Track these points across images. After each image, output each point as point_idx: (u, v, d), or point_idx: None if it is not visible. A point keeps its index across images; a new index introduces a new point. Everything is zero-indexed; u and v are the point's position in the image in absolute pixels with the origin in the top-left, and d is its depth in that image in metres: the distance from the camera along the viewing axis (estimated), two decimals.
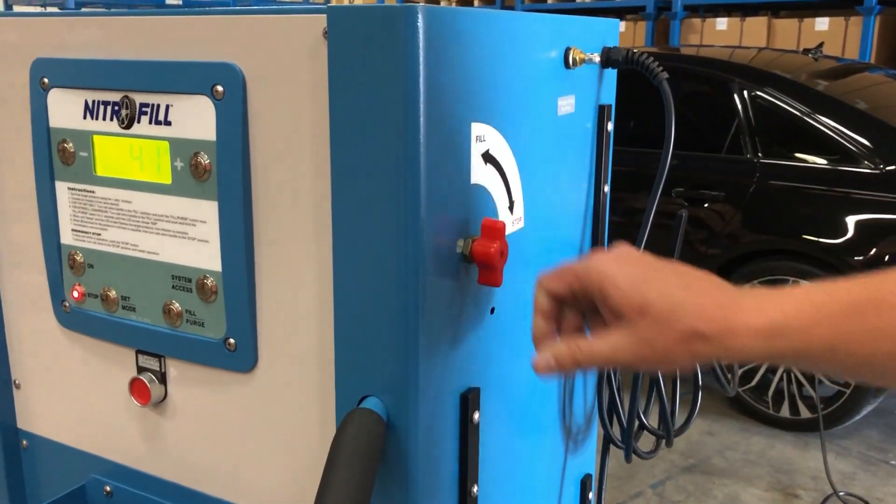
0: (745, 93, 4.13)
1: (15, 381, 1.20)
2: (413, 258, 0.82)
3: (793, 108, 3.94)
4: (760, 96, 4.06)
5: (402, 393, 0.84)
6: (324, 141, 0.84)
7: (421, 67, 0.77)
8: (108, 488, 1.12)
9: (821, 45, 5.42)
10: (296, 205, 0.88)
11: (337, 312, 0.85)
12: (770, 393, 4.19)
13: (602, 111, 1.16)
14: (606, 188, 1.19)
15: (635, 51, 1.11)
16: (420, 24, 0.76)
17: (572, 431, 1.25)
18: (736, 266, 4.04)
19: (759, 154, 4.03)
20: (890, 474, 3.85)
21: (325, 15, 0.80)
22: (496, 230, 0.85)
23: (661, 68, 1.09)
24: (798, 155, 3.95)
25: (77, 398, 1.13)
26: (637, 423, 1.20)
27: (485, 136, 0.88)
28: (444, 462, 0.91)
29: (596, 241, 1.20)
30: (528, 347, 1.06)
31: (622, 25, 8.98)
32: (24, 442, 1.21)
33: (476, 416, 0.92)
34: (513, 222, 0.96)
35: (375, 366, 0.84)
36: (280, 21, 0.85)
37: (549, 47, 1.01)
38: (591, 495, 1.32)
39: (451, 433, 0.92)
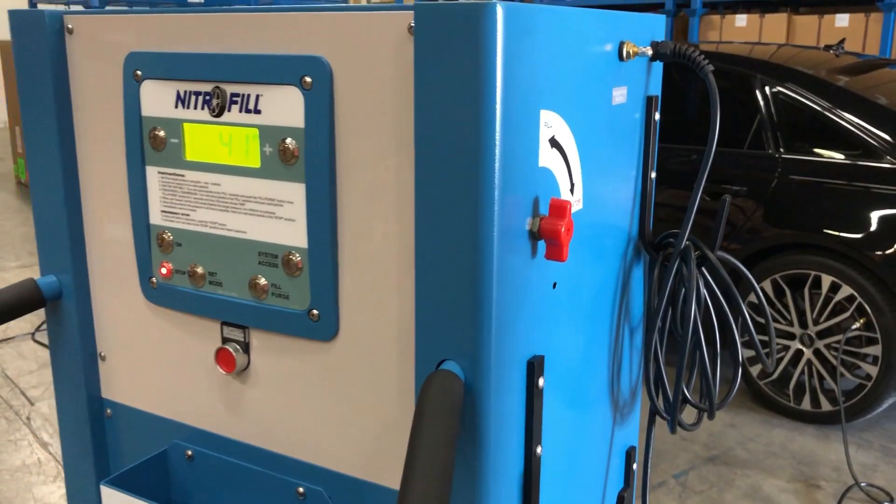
0: (767, 89, 4.19)
1: (100, 354, 1.28)
2: (487, 235, 0.90)
3: (814, 103, 4.00)
4: (782, 92, 4.12)
5: (477, 357, 0.92)
6: (406, 127, 0.92)
7: (498, 59, 0.85)
8: (189, 452, 1.21)
9: (842, 41, 5.46)
10: (378, 185, 0.96)
11: (418, 284, 0.93)
12: (791, 386, 4.25)
13: (650, 102, 1.23)
14: (653, 174, 1.26)
15: (681, 45, 1.18)
16: (499, 19, 0.84)
17: (619, 404, 1.32)
18: (758, 260, 4.10)
19: (781, 149, 4.09)
20: None
21: (410, 11, 0.88)
22: (563, 209, 0.93)
23: (706, 61, 1.16)
24: (819, 150, 4.01)
25: (161, 368, 1.21)
26: (680, 397, 1.28)
27: (551, 123, 0.96)
28: (512, 423, 0.99)
29: (643, 225, 1.28)
30: (582, 322, 1.14)
31: None
32: (108, 410, 1.30)
33: (541, 381, 1.00)
34: (574, 204, 1.04)
35: (453, 332, 0.92)
36: (367, 17, 0.93)
37: (606, 41, 1.08)
38: (634, 466, 1.39)
39: (519, 397, 0.99)
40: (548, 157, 0.97)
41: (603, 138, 1.12)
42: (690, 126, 4.42)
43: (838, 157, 3.83)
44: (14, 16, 1.17)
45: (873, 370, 3.86)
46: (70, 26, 1.16)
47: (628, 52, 1.11)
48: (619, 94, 1.14)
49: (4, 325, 5.45)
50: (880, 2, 7.33)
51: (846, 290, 3.86)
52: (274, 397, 1.11)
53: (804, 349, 4.03)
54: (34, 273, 6.57)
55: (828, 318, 3.95)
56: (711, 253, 1.23)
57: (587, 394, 1.22)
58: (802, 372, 4.05)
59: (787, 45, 5.47)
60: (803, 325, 4.03)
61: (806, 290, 3.99)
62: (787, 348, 4.07)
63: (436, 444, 0.80)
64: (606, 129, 1.13)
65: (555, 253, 0.95)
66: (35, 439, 3.96)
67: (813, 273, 3.92)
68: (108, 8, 1.09)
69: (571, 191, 1.03)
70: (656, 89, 1.26)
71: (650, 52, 1.15)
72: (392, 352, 1.00)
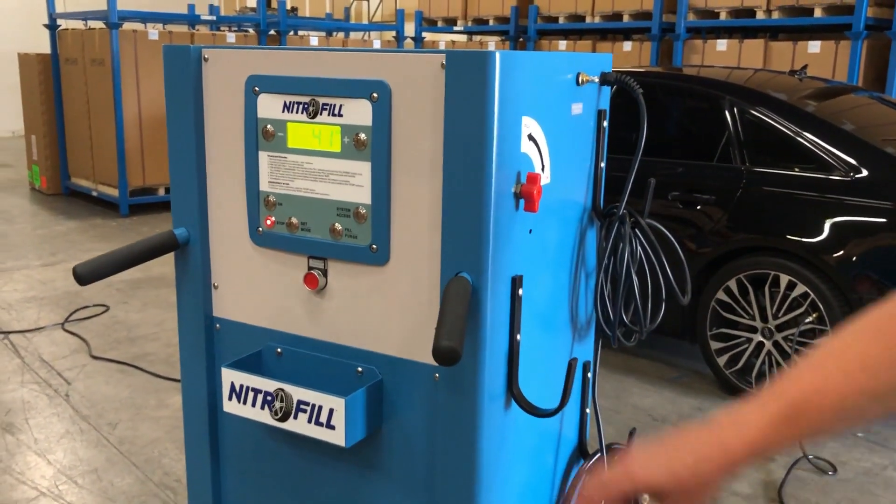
0: (735, 109, 4.66)
1: (214, 284, 1.83)
2: (488, 195, 1.45)
3: (775, 122, 4.48)
4: (749, 112, 4.60)
5: (480, 270, 1.47)
6: (438, 126, 1.48)
7: (496, 85, 1.41)
8: (279, 350, 1.75)
9: (805, 67, 6.01)
10: (418, 162, 1.52)
11: (444, 225, 1.49)
12: (753, 374, 4.65)
13: (600, 114, 1.80)
14: (602, 164, 1.82)
15: (621, 74, 1.74)
16: (497, 62, 1.40)
17: (578, 327, 1.88)
18: (724, 262, 4.52)
19: (746, 163, 4.55)
20: (855, 444, 4.33)
21: (443, 55, 1.44)
22: (535, 179, 1.49)
23: (638, 86, 1.72)
24: (779, 164, 4.46)
25: (260, 292, 1.76)
26: (620, 321, 1.83)
27: (529, 124, 1.52)
28: (501, 317, 1.54)
29: (595, 199, 1.84)
30: (550, 263, 1.69)
31: (629, 45, 9.61)
32: (218, 325, 1.84)
33: (520, 291, 1.56)
34: (543, 178, 1.60)
35: (466, 254, 1.48)
36: (414, 57, 1.48)
37: (568, 72, 1.65)
38: (589, 375, 1.94)
39: (506, 300, 1.55)
40: (526, 146, 1.53)
41: (566, 137, 1.68)
42: (674, 143, 4.88)
43: (796, 170, 4.33)
44: (168, 49, 1.73)
45: None
46: (206, 56, 1.71)
47: (582, 80, 1.67)
48: (577, 108, 1.70)
49: (36, 316, 5.96)
50: (849, 31, 7.91)
51: (801, 288, 4.32)
52: (343, 306, 1.66)
53: (765, 341, 4.50)
54: (56, 269, 7.08)
55: (785, 313, 4.43)
56: (641, 219, 1.78)
57: (553, 313, 1.77)
58: (763, 362, 4.53)
59: (763, 71, 6.00)
60: (764, 319, 4.50)
61: (766, 288, 4.47)
62: (749, 340, 4.56)
63: (458, 303, 1.35)
64: (568, 131, 1.69)
65: (529, 206, 1.50)
66: (75, 413, 4.45)
67: (772, 273, 4.40)
68: (236, 45, 1.50)
69: (542, 170, 1.59)
70: (605, 105, 1.83)
71: (597, 79, 1.71)
72: (424, 270, 1.55)
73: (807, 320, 4.39)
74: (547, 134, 1.59)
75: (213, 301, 1.84)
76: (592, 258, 1.90)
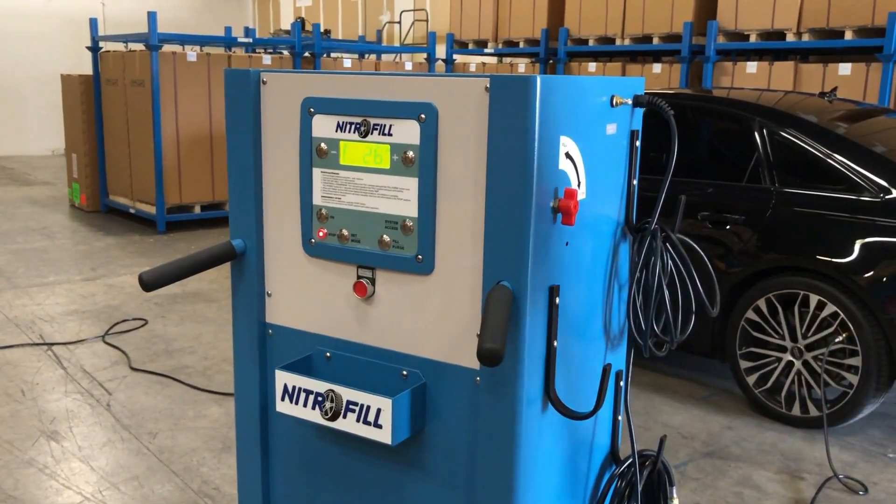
0: (765, 130, 4.73)
1: (268, 292, 1.94)
2: (528, 209, 1.55)
3: (804, 143, 4.54)
4: (778, 133, 4.67)
5: (520, 279, 1.57)
6: (481, 145, 1.59)
7: (537, 107, 1.52)
8: (328, 354, 1.86)
9: (834, 89, 6.05)
10: (462, 178, 1.63)
11: (487, 236, 1.59)
12: (783, 394, 4.67)
13: (633, 134, 1.90)
14: (634, 181, 1.92)
15: (652, 97, 1.84)
16: (538, 85, 1.51)
17: (611, 337, 1.97)
18: (754, 281, 4.57)
19: (776, 184, 4.61)
20: (887, 465, 4.33)
21: (487, 78, 1.55)
22: (573, 194, 1.59)
23: (669, 108, 1.82)
24: (808, 184, 4.51)
25: (312, 299, 1.87)
26: (651, 332, 1.91)
27: (566, 143, 1.63)
28: (539, 324, 1.64)
29: (628, 214, 1.93)
30: (585, 274, 1.79)
31: (658, 67, 9.69)
32: (270, 331, 1.96)
33: (557, 299, 1.65)
34: (580, 194, 1.70)
35: (507, 264, 1.58)
36: (460, 80, 1.60)
37: (603, 94, 1.75)
38: (622, 383, 2.03)
39: (543, 309, 1.64)
40: (564, 164, 1.63)
41: (601, 155, 1.79)
42: (705, 163, 4.95)
43: (825, 190, 4.38)
44: (229, 73, 1.86)
45: (855, 379, 4.34)
46: (265, 80, 1.84)
47: (616, 102, 1.77)
48: (612, 128, 1.80)
49: (77, 329, 6.14)
50: (879, 53, 7.93)
51: (831, 308, 4.35)
52: (390, 312, 1.77)
53: (794, 361, 4.53)
54: (96, 284, 7.27)
55: (815, 333, 4.45)
56: (672, 234, 1.87)
57: (587, 323, 1.87)
58: (793, 381, 4.55)
59: (792, 93, 6.06)
60: (794, 339, 4.54)
61: (796, 308, 4.51)
62: (779, 360, 4.59)
63: (501, 309, 1.45)
64: (603, 149, 1.79)
65: (566, 220, 1.61)
66: (117, 422, 4.59)
67: (802, 293, 4.44)
68: (289, 70, 1.63)
69: (579, 186, 1.70)
70: (638, 125, 1.93)
71: (630, 101, 1.82)
72: (467, 279, 1.65)
73: (836, 340, 4.40)
74: (583, 152, 1.69)
75: (267, 308, 1.95)
76: (625, 271, 1.99)
